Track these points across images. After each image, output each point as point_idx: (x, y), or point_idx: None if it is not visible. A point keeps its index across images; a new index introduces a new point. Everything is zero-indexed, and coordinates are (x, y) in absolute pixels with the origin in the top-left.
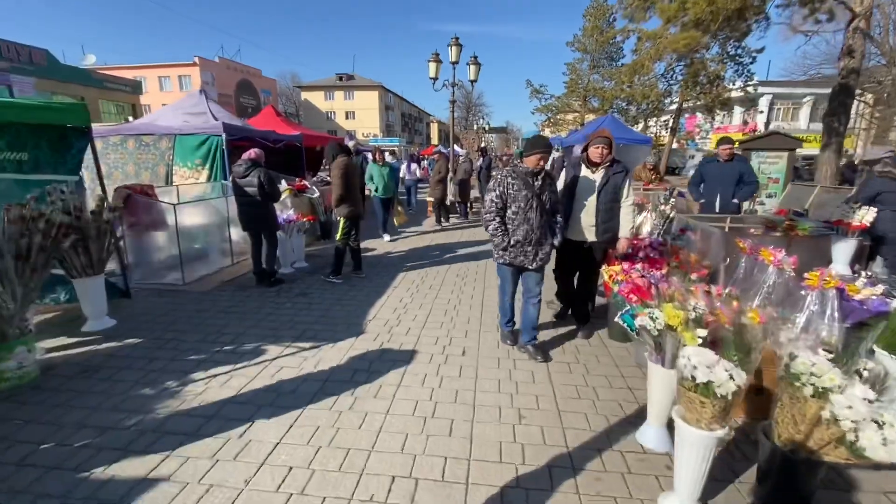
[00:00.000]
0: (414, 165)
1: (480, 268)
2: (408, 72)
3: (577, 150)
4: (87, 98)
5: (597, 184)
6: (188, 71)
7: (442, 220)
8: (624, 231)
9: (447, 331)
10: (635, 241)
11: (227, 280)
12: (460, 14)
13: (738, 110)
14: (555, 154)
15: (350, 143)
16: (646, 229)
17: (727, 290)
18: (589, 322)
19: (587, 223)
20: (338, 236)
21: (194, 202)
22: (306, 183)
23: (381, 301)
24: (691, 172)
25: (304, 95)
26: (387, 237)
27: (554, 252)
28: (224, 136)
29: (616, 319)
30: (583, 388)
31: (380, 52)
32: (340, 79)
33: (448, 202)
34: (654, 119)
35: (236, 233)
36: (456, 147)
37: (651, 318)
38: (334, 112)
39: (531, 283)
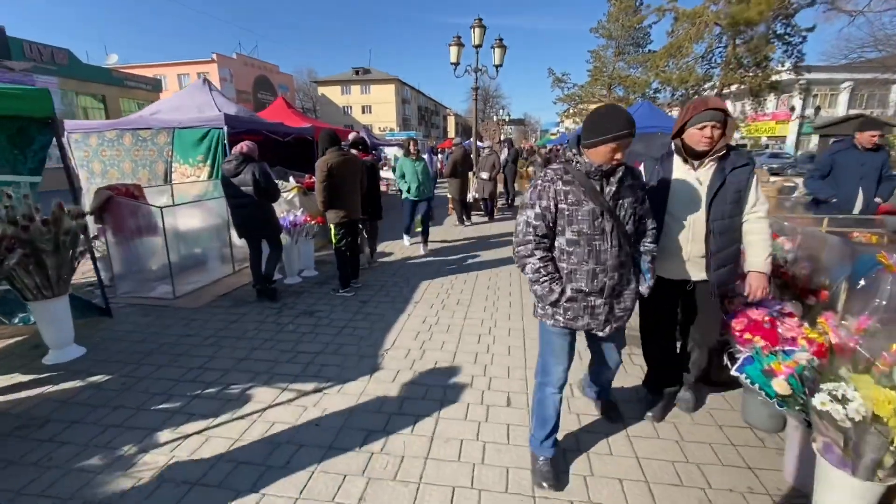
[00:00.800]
0: (435, 158)
1: (514, 276)
2: (424, 64)
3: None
4: (108, 97)
5: (704, 187)
6: (206, 68)
7: (464, 219)
8: (757, 260)
9: (483, 367)
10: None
11: (224, 293)
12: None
13: (771, 97)
14: None
15: (351, 136)
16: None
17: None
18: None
19: (692, 252)
20: (333, 243)
21: (185, 204)
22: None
23: (400, 322)
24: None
25: (321, 90)
26: (407, 240)
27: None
28: (226, 128)
29: (734, 372)
30: (682, 466)
31: (396, 45)
32: (357, 73)
33: (471, 199)
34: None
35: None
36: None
37: (836, 397)
38: (351, 107)
39: (609, 355)
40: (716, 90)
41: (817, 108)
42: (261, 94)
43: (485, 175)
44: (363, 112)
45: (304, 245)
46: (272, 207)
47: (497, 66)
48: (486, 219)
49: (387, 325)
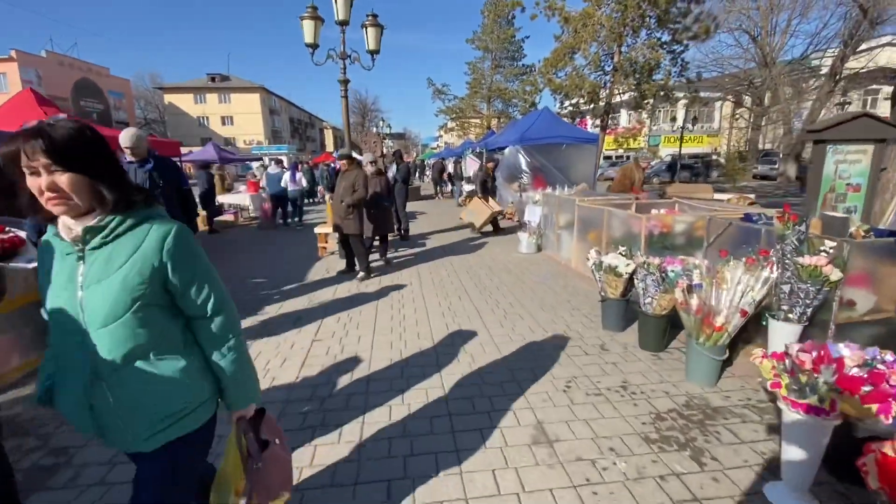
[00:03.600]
0: (299, 174)
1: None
2: (294, 73)
3: (470, 163)
4: None
5: None
6: (4, 68)
7: (357, 269)
8: None
9: None
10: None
11: None
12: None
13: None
14: (490, 163)
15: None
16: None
17: None
18: None
19: None
20: None
21: None
22: (22, 234)
23: None
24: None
25: (169, 98)
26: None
27: None
28: None
29: None
30: None
31: (260, 52)
32: (213, 79)
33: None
34: (590, 115)
35: None
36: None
37: None
38: (207, 117)
39: None
40: (604, 98)
41: (694, 119)
42: (84, 102)
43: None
44: (223, 123)
45: None
46: None
47: (372, 53)
48: (381, 262)
49: None
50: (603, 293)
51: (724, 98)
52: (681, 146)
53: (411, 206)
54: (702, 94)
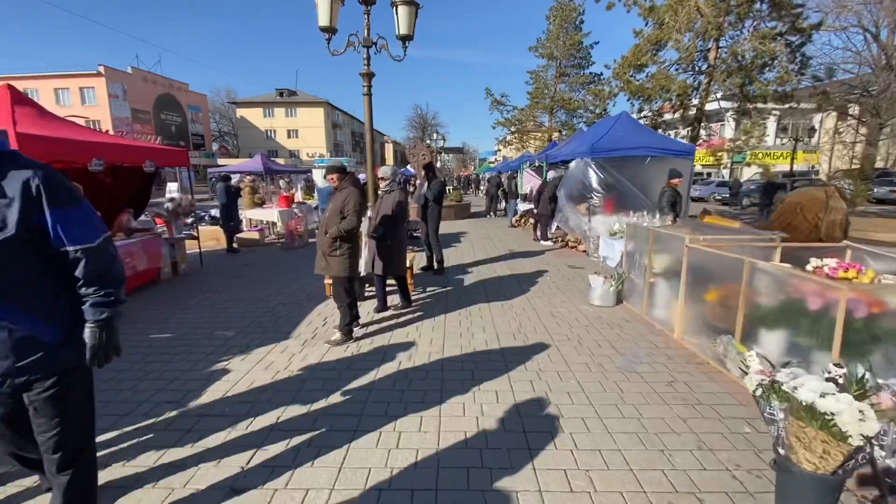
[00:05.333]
0: None
1: None
2: (357, 89)
3: (552, 174)
4: None
5: None
6: (91, 82)
7: (352, 327)
8: None
9: None
10: None
11: None
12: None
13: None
14: (551, 174)
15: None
16: None
17: None
18: None
19: None
20: None
21: None
22: None
23: None
24: (747, 201)
25: (240, 112)
26: None
27: None
28: None
29: None
30: None
31: (326, 68)
32: (281, 94)
33: (363, 272)
34: (680, 124)
35: None
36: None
37: None
38: (274, 130)
39: None
40: (695, 104)
41: (811, 130)
42: (164, 115)
43: (370, 225)
44: (289, 136)
45: None
46: None
47: (403, 39)
48: (403, 306)
49: None
50: (782, 450)
51: (825, 108)
52: (792, 163)
53: (459, 226)
54: (801, 105)
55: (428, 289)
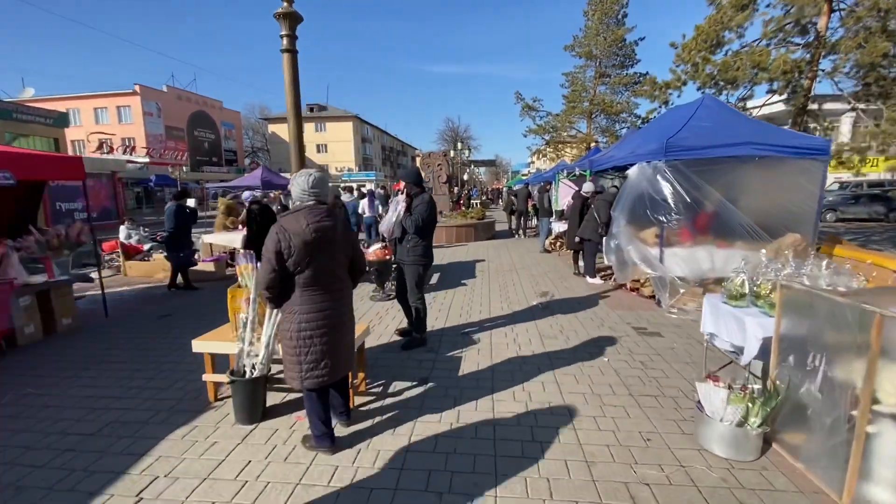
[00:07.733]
0: (376, 202)
1: None
2: (389, 102)
3: (588, 185)
4: None
5: None
6: (128, 101)
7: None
8: None
9: None
10: None
11: None
12: (445, 54)
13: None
14: (587, 187)
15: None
16: None
17: None
18: None
19: None
20: None
21: None
22: None
23: None
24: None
25: (272, 128)
26: None
27: None
28: None
29: None
30: None
31: (356, 83)
32: (311, 110)
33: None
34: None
35: None
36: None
37: None
38: (304, 146)
39: None
40: (802, 88)
41: None
42: (198, 132)
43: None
44: (318, 151)
45: None
46: None
47: None
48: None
49: None
50: None
51: None
52: None
53: (478, 250)
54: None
55: (395, 384)
